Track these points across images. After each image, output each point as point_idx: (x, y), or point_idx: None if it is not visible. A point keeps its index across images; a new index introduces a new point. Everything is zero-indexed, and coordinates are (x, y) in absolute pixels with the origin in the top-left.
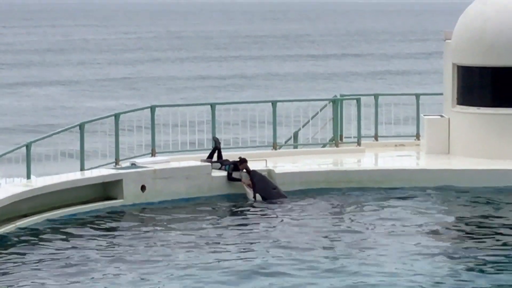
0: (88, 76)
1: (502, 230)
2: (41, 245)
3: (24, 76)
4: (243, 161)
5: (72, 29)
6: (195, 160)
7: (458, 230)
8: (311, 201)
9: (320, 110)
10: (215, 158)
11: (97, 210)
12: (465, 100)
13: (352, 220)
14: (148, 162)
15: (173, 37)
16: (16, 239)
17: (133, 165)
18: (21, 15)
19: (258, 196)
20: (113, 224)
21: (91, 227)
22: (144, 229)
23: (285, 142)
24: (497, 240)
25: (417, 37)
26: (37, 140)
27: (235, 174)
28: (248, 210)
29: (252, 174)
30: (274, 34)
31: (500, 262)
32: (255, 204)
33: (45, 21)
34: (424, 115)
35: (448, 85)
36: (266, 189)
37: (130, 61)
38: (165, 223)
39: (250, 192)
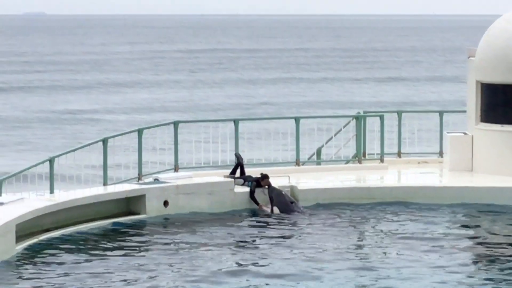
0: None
1: None
2: (64, 260)
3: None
4: (264, 176)
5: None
6: (218, 176)
7: (481, 248)
8: (333, 217)
9: (344, 126)
10: (238, 174)
11: (120, 225)
12: (489, 118)
13: (374, 237)
14: (171, 178)
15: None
16: (38, 253)
17: (156, 180)
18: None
19: (276, 209)
20: (136, 239)
21: (114, 242)
22: (167, 244)
23: (308, 158)
24: None
25: (440, 54)
26: (60, 154)
27: (257, 193)
28: (271, 226)
29: (269, 190)
30: (291, 52)
31: None
32: (277, 220)
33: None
34: (448, 133)
35: (472, 102)
36: (284, 202)
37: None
38: (187, 238)
39: (267, 209)
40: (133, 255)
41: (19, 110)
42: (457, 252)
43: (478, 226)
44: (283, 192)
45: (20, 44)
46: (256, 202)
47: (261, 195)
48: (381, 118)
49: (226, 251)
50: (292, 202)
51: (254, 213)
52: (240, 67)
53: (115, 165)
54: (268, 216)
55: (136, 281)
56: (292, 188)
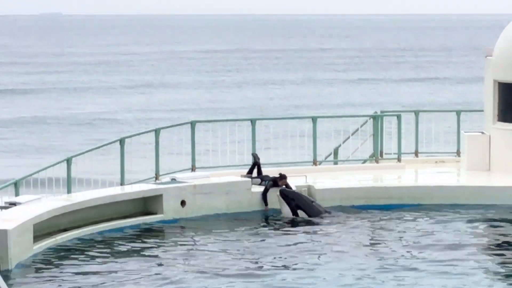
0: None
1: None
2: (81, 259)
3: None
4: (283, 177)
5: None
6: (235, 175)
7: (499, 248)
8: (351, 217)
9: (361, 126)
10: (255, 173)
11: (137, 225)
12: (506, 117)
13: (392, 237)
14: (188, 178)
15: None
16: (55, 253)
17: (173, 180)
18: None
19: (301, 213)
20: (153, 239)
21: (130, 242)
22: (184, 244)
23: (325, 158)
24: None
25: (458, 53)
26: (77, 154)
27: (271, 192)
28: (288, 226)
29: (282, 195)
30: (307, 53)
31: None
32: (295, 220)
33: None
34: (465, 132)
35: (489, 102)
36: (307, 204)
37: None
38: (204, 238)
39: (285, 207)
40: (150, 255)
41: (36, 112)
42: (475, 251)
43: (495, 225)
44: (299, 193)
45: (38, 45)
46: (266, 203)
47: (274, 196)
48: (398, 117)
49: (243, 252)
50: (312, 202)
51: (271, 214)
52: (257, 67)
53: (132, 165)
54: (285, 216)
55: (152, 280)
56: (309, 187)
